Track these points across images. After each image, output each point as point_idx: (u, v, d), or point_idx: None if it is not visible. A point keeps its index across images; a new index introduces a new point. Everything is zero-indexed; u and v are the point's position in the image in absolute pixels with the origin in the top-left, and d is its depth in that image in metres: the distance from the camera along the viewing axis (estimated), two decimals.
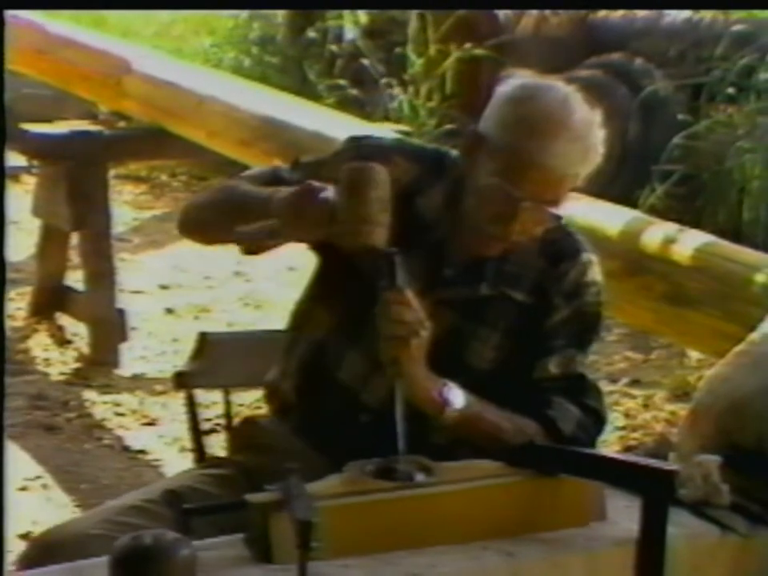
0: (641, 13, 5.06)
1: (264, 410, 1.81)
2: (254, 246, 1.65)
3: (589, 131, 1.61)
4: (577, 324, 1.67)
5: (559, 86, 1.64)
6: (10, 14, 4.14)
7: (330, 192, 1.54)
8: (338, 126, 3.22)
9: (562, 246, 1.68)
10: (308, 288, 1.76)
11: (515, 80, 1.64)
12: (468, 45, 4.96)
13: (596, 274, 1.70)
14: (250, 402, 2.75)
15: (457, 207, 1.65)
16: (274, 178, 1.69)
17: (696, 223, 3.22)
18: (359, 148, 1.71)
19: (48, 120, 4.05)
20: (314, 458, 1.59)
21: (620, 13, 5.10)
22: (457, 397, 1.57)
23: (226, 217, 1.63)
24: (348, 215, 1.52)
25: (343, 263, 1.65)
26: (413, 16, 5.16)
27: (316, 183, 1.56)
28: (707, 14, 4.99)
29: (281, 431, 1.70)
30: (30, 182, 4.88)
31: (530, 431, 1.60)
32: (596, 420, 1.67)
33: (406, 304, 1.51)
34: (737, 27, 4.61)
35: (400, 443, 1.48)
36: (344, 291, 1.68)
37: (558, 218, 1.64)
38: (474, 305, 1.66)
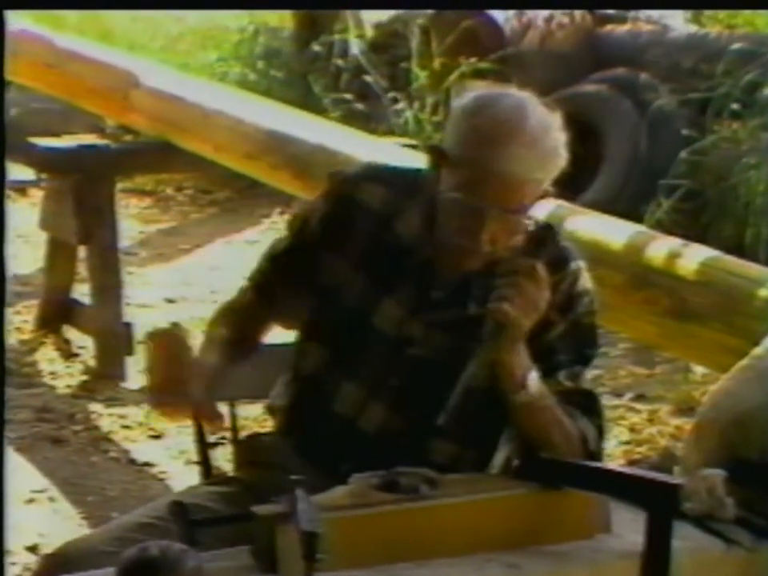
0: (646, 27, 5.08)
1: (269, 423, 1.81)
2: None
3: (545, 135, 1.59)
4: (575, 338, 1.66)
5: (513, 94, 1.63)
6: (17, 27, 4.18)
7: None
8: (344, 140, 3.24)
9: (548, 256, 1.64)
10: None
11: (469, 92, 1.64)
12: (473, 59, 4.98)
13: (586, 281, 1.68)
14: (256, 414, 2.76)
15: (434, 226, 1.64)
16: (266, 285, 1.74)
17: (701, 239, 3.22)
18: (333, 184, 1.72)
19: (56, 134, 4.07)
20: (315, 477, 1.59)
21: (625, 27, 5.12)
22: (534, 384, 1.57)
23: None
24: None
25: (329, 301, 1.66)
26: (416, 29, 5.18)
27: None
28: (712, 29, 5.01)
29: (283, 449, 1.70)
30: (37, 195, 4.90)
31: (574, 436, 1.60)
32: (602, 436, 1.67)
33: (533, 278, 1.53)
34: (741, 43, 4.62)
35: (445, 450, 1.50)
36: (335, 326, 1.68)
37: (528, 227, 1.61)
38: (465, 325, 1.64)
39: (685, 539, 1.47)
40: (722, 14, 5.31)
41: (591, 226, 2.62)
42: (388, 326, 1.65)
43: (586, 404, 1.65)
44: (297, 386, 1.72)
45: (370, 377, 1.64)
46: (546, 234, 1.67)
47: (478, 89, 1.65)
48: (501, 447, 1.69)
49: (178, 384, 1.56)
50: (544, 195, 1.63)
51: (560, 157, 1.61)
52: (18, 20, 4.02)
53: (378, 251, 1.65)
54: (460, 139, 1.60)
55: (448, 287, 1.65)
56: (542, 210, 1.65)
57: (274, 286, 1.75)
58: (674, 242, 2.53)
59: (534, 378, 1.57)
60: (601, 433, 1.66)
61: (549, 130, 1.60)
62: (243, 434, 1.90)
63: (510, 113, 1.58)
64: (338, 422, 1.66)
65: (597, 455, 1.63)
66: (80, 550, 1.59)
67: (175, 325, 1.66)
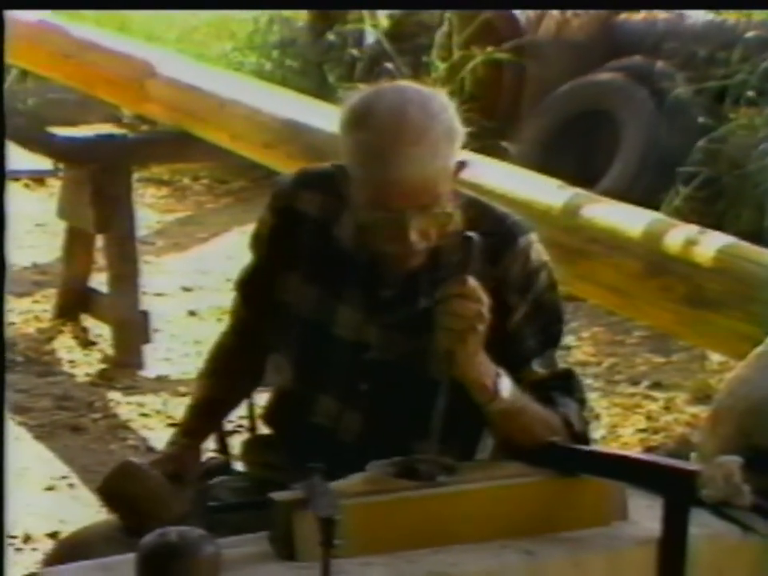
0: (662, 15, 5.05)
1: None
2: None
3: (431, 124, 1.53)
4: (539, 318, 1.62)
5: (386, 93, 1.56)
6: (36, 18, 4.19)
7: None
8: None
9: (493, 238, 1.59)
10: None
11: (346, 103, 1.58)
12: (489, 48, 4.97)
13: (539, 255, 1.62)
14: None
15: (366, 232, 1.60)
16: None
17: (718, 226, 3.21)
18: (273, 197, 1.71)
19: (73, 123, 4.09)
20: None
21: (641, 15, 5.10)
22: (506, 389, 1.55)
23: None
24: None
25: (289, 316, 1.66)
26: (443, 20, 5.17)
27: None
28: (729, 17, 4.98)
29: (282, 450, 1.70)
30: (55, 185, 4.93)
31: (556, 426, 1.58)
32: (586, 409, 1.65)
33: (467, 296, 1.48)
34: (757, 30, 4.60)
35: (433, 441, 1.49)
36: (297, 340, 1.67)
37: (456, 208, 1.57)
38: (418, 321, 1.60)
39: (702, 526, 1.47)
40: None
41: (607, 214, 2.62)
42: (346, 332, 1.64)
43: (565, 384, 1.63)
44: (278, 400, 1.72)
45: (340, 386, 1.64)
46: (479, 211, 1.62)
47: (352, 97, 1.58)
48: (486, 436, 1.68)
49: (151, 516, 1.53)
50: (460, 169, 1.57)
51: (455, 133, 1.55)
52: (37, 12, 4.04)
53: (323, 259, 1.64)
54: (350, 159, 1.56)
55: (396, 285, 1.63)
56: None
57: (252, 320, 1.74)
58: (690, 229, 2.53)
59: (504, 384, 1.55)
60: (584, 405, 1.64)
61: (433, 116, 1.54)
62: (260, 422, 1.91)
63: (388, 117, 1.52)
64: (319, 433, 1.66)
65: (583, 434, 1.61)
66: (95, 535, 1.60)
67: (123, 465, 1.62)
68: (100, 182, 3.77)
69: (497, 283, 1.59)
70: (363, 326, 1.64)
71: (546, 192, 2.73)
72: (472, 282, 1.49)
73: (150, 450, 3.23)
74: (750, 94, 4.44)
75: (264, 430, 1.83)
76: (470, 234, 1.52)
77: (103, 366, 3.75)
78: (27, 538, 2.69)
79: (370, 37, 5.51)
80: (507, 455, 1.57)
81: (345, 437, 1.65)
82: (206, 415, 1.75)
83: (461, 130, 1.57)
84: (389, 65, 5.24)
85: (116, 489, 1.57)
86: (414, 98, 1.55)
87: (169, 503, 1.55)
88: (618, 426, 3.38)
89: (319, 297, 1.65)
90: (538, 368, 1.62)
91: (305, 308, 1.66)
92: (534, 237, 1.63)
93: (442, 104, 1.56)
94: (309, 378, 1.67)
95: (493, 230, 1.61)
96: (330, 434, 1.65)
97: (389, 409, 1.63)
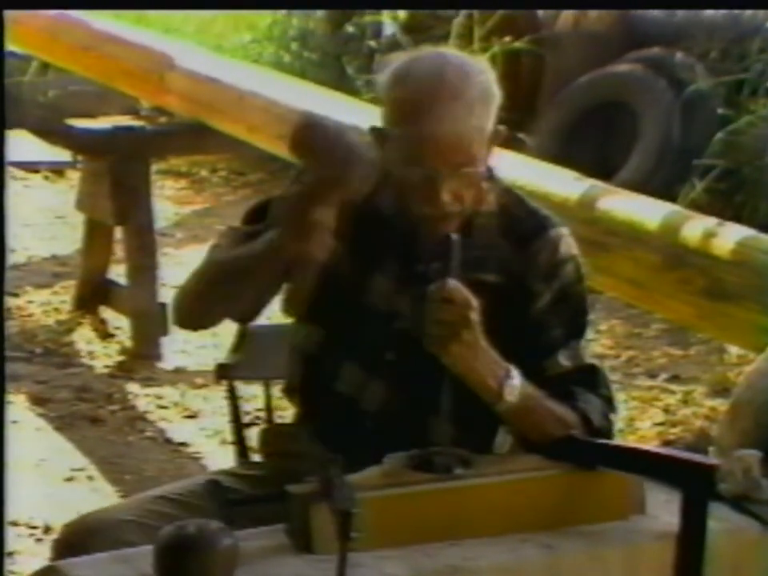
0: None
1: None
2: (250, 310, 1.68)
3: (467, 84, 1.57)
4: (565, 308, 1.63)
5: (426, 55, 1.62)
6: (56, 11, 4.19)
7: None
8: (377, 121, 3.23)
9: (525, 225, 1.64)
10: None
11: (386, 66, 1.63)
12: (507, 39, 4.96)
13: (569, 247, 1.65)
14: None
15: (404, 199, 1.63)
16: (244, 237, 1.70)
17: (736, 218, 3.20)
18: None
19: (92, 115, 4.10)
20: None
21: None
22: (515, 388, 1.55)
23: (227, 285, 1.65)
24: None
25: (325, 279, 1.65)
26: (459, 12, 5.16)
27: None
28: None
29: (301, 437, 1.71)
30: (75, 176, 4.94)
31: (572, 422, 1.58)
32: (611, 407, 1.65)
33: (449, 300, 1.49)
34: None
35: (445, 430, 1.49)
36: (329, 307, 1.68)
37: (489, 175, 1.60)
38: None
39: (720, 520, 1.47)
40: None
41: (626, 206, 2.62)
42: (379, 301, 1.66)
43: (589, 379, 1.63)
44: (303, 368, 1.73)
45: (367, 355, 1.65)
46: (519, 201, 1.65)
47: (394, 59, 1.63)
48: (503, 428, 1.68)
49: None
50: (496, 137, 1.60)
51: (492, 96, 1.59)
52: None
53: (362, 229, 1.65)
54: (388, 116, 1.61)
55: (431, 256, 1.62)
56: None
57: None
58: (709, 222, 2.52)
59: (512, 384, 1.54)
60: (610, 403, 1.64)
61: (469, 76, 1.58)
62: (277, 413, 1.92)
63: (426, 75, 1.57)
64: (343, 401, 1.66)
65: (604, 429, 1.61)
66: (99, 520, 1.61)
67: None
68: (119, 174, 3.78)
69: (523, 269, 1.62)
70: (395, 296, 1.65)
71: (564, 184, 2.72)
72: (452, 284, 1.50)
73: (168, 441, 3.25)
74: None
75: (280, 420, 1.84)
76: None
77: (122, 357, 3.76)
78: (47, 529, 2.71)
79: (389, 28, 5.50)
80: (525, 448, 1.57)
81: (368, 406, 1.65)
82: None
83: (498, 95, 1.60)
84: None
85: (307, 139, 1.56)
86: (453, 60, 1.60)
87: (361, 153, 1.54)
88: (635, 420, 3.38)
89: (355, 265, 1.66)
90: (562, 360, 1.62)
91: (340, 275, 1.66)
92: (565, 231, 1.67)
93: (481, 68, 1.61)
94: (337, 345, 1.68)
95: (525, 218, 1.65)
96: (353, 403, 1.66)
97: (412, 381, 1.63)
